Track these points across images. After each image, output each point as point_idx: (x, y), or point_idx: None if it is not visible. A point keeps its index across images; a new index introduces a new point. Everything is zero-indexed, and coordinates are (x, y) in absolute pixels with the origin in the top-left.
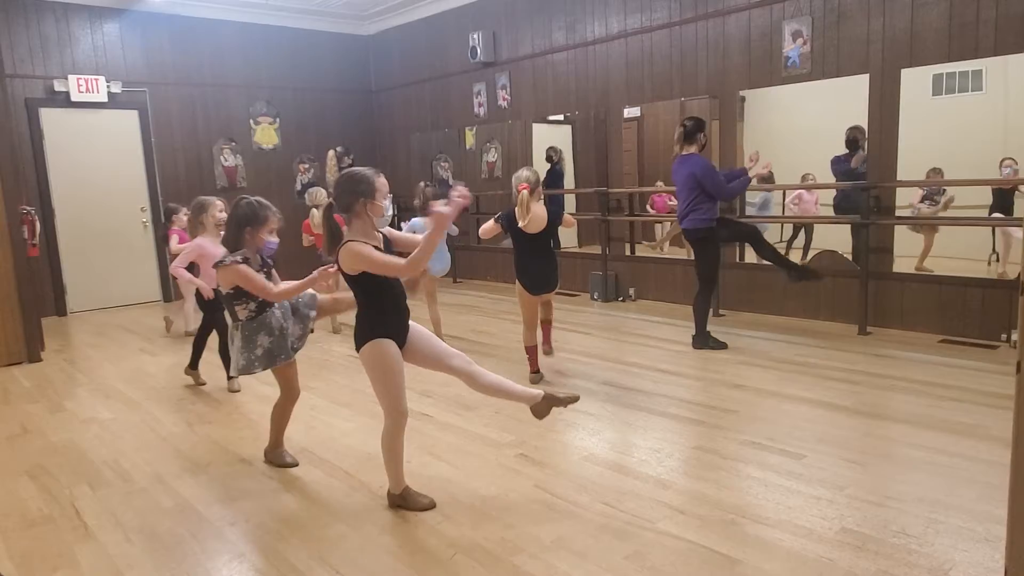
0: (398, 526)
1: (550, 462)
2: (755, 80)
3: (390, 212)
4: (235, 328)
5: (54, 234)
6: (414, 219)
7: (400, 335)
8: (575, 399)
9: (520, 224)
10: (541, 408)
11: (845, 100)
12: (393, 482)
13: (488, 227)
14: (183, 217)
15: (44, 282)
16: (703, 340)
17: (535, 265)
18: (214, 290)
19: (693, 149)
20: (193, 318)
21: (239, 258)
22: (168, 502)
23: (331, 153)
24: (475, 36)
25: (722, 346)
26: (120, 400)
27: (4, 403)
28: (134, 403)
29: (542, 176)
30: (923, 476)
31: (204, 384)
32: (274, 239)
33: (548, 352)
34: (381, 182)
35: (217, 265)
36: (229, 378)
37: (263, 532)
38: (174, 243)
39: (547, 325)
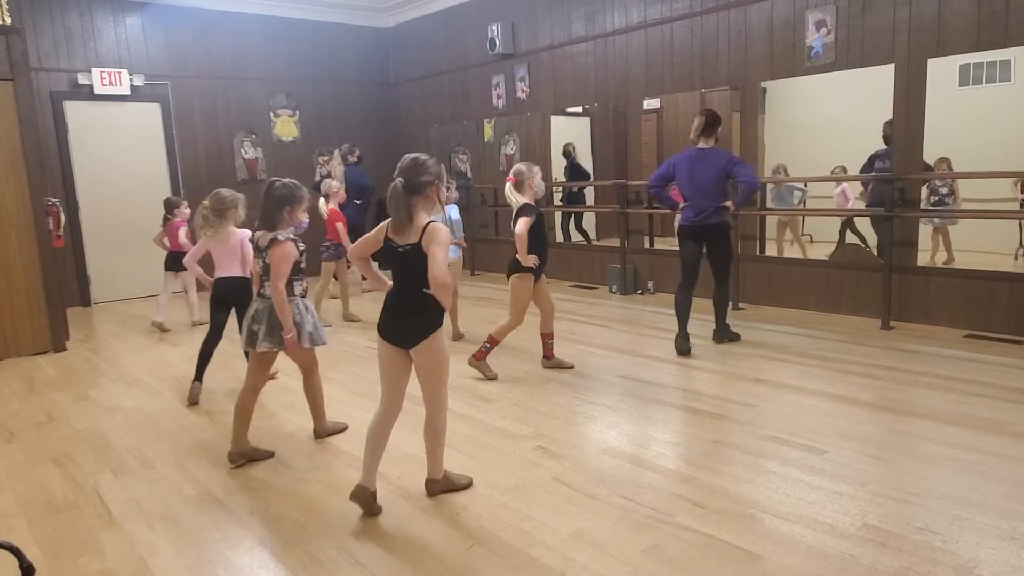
0: (416, 517)
1: (568, 455)
2: (777, 71)
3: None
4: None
5: (78, 225)
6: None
7: None
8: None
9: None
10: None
11: (870, 91)
12: (436, 469)
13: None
14: (184, 210)
15: (69, 273)
16: (724, 333)
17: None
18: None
19: (711, 143)
20: (199, 306)
21: (291, 235)
22: (190, 490)
23: (337, 153)
24: (494, 28)
25: (736, 337)
26: (143, 389)
27: (30, 391)
28: (156, 392)
29: (562, 171)
30: (947, 472)
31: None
32: (305, 218)
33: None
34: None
35: (274, 241)
36: (197, 381)
37: (283, 521)
38: (183, 235)
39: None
